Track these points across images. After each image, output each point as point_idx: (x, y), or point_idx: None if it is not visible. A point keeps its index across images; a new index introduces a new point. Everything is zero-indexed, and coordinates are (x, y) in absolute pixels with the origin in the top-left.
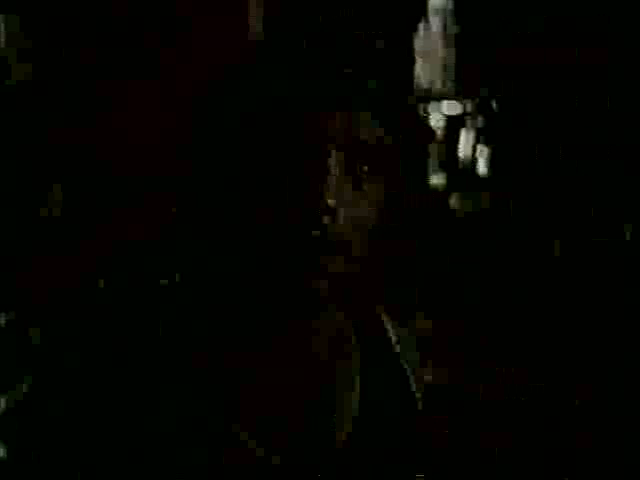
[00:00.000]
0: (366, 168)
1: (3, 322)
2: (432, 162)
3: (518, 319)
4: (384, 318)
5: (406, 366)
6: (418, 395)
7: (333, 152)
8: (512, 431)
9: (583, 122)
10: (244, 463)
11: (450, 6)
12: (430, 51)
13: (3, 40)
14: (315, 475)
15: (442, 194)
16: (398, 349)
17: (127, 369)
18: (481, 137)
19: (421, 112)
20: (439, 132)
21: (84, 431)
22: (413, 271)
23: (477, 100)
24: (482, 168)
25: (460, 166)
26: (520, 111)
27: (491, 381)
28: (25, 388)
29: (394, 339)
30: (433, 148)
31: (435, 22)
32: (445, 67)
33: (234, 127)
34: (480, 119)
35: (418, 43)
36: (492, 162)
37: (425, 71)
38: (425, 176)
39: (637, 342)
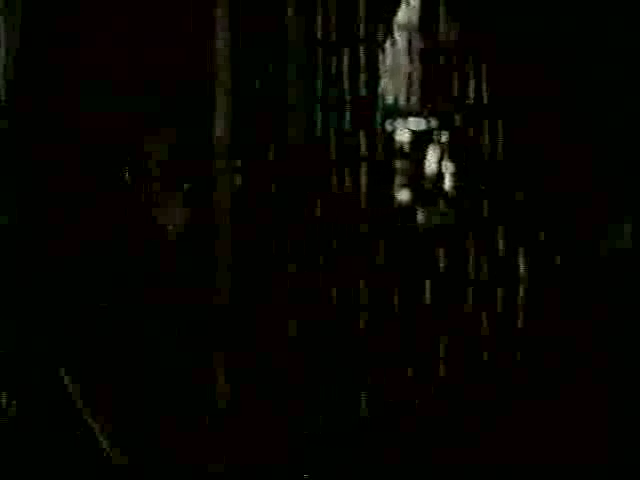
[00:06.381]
0: None
1: None
2: (398, 178)
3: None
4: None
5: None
6: None
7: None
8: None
9: (548, 136)
10: None
11: (416, 22)
12: (395, 67)
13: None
14: None
15: (408, 209)
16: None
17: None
18: (446, 153)
19: (388, 128)
20: (405, 148)
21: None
22: None
23: (441, 116)
24: (448, 184)
25: (426, 182)
26: (485, 127)
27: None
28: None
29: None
30: (399, 164)
31: (401, 38)
32: (410, 83)
33: None
34: (445, 135)
35: (383, 59)
36: (458, 178)
37: (390, 87)
38: (391, 191)
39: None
